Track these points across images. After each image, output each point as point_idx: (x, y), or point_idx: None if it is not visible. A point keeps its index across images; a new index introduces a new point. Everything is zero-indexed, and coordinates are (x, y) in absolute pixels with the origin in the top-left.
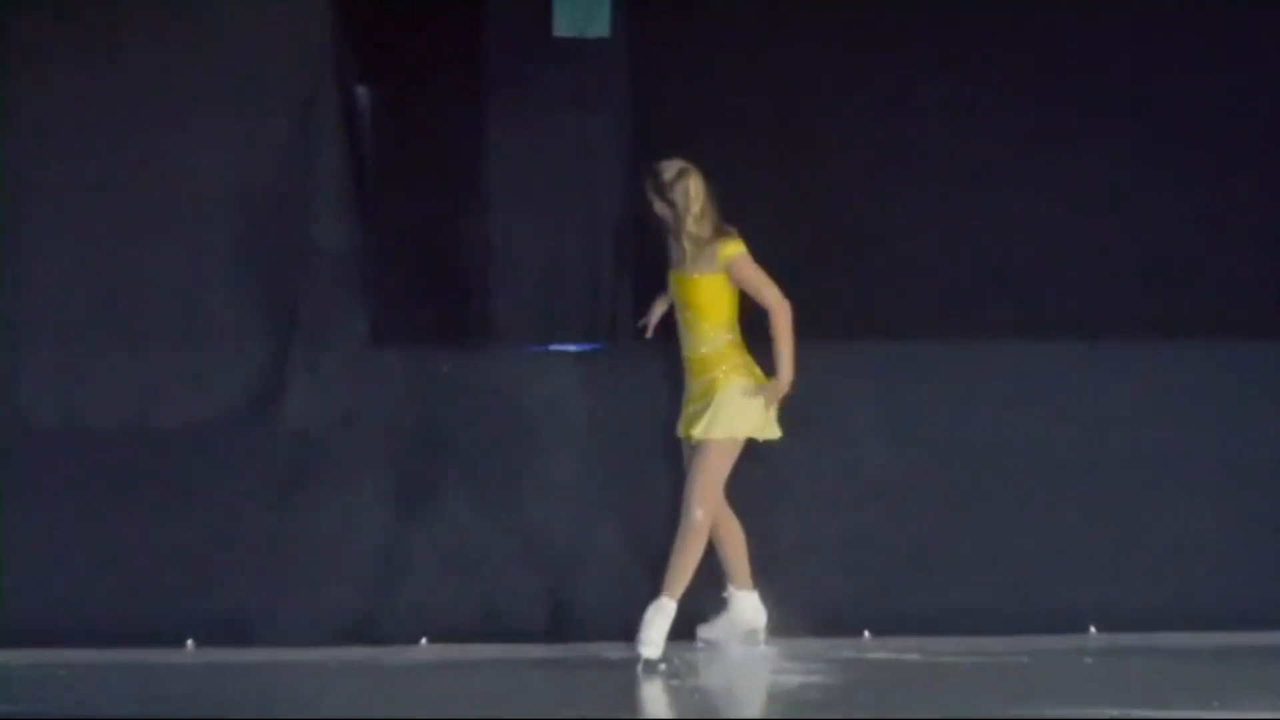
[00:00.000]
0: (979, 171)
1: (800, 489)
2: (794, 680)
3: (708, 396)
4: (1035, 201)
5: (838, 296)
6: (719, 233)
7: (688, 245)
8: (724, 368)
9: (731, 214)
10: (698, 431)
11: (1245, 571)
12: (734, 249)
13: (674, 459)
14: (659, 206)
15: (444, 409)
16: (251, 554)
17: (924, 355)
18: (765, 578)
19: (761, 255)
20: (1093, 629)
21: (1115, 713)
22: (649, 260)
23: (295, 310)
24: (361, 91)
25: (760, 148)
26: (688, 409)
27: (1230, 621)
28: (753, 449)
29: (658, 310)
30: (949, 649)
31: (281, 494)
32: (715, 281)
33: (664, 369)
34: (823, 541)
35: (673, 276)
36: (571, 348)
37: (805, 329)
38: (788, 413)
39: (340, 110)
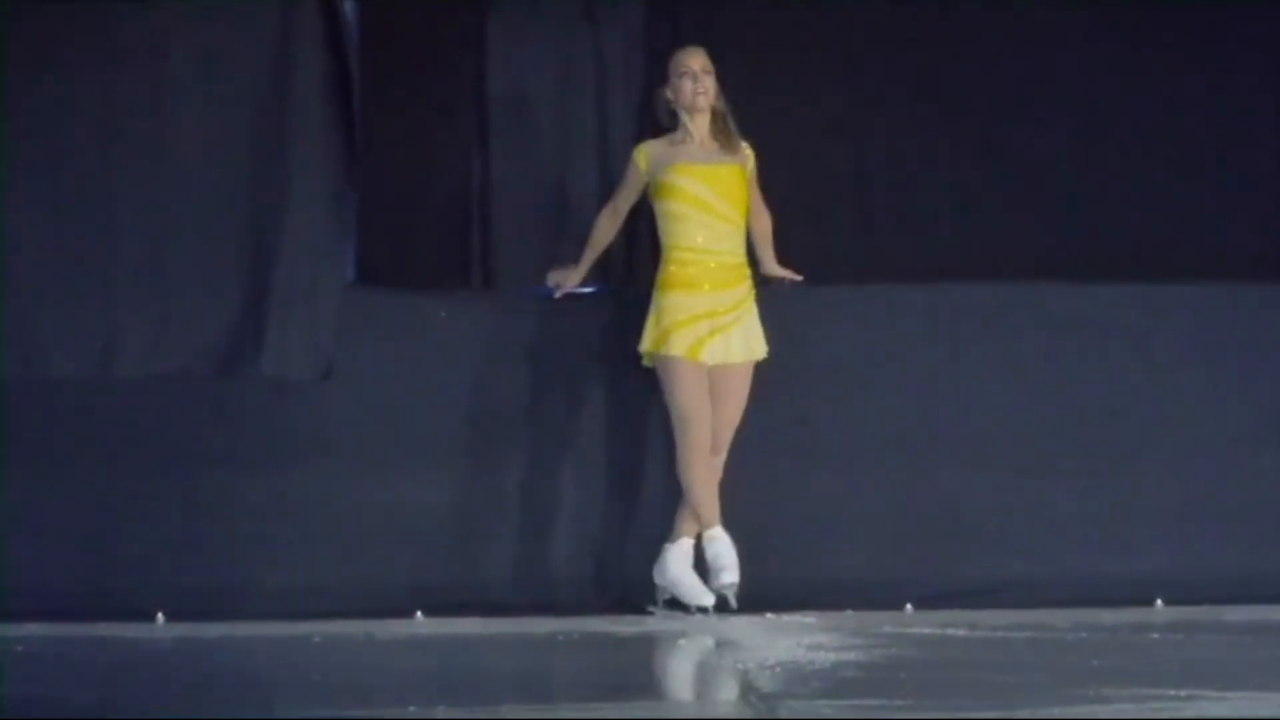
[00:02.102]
0: (1012, 107)
1: (834, 450)
2: (829, 658)
3: (740, 310)
4: (1069, 139)
5: (859, 237)
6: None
7: (721, 134)
8: (749, 281)
9: (759, 147)
10: (754, 352)
11: None
12: (750, 148)
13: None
14: (709, 82)
15: (439, 359)
16: (226, 518)
17: (962, 301)
18: (798, 547)
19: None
20: (1159, 602)
21: (1183, 694)
22: None
23: (272, 249)
24: (347, 4)
25: (779, 72)
26: (709, 321)
27: None
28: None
29: (583, 267)
30: (999, 623)
31: (258, 452)
32: (742, 175)
33: None
34: (859, 507)
35: (695, 170)
36: (580, 290)
37: (830, 274)
38: (819, 369)
39: (323, 26)
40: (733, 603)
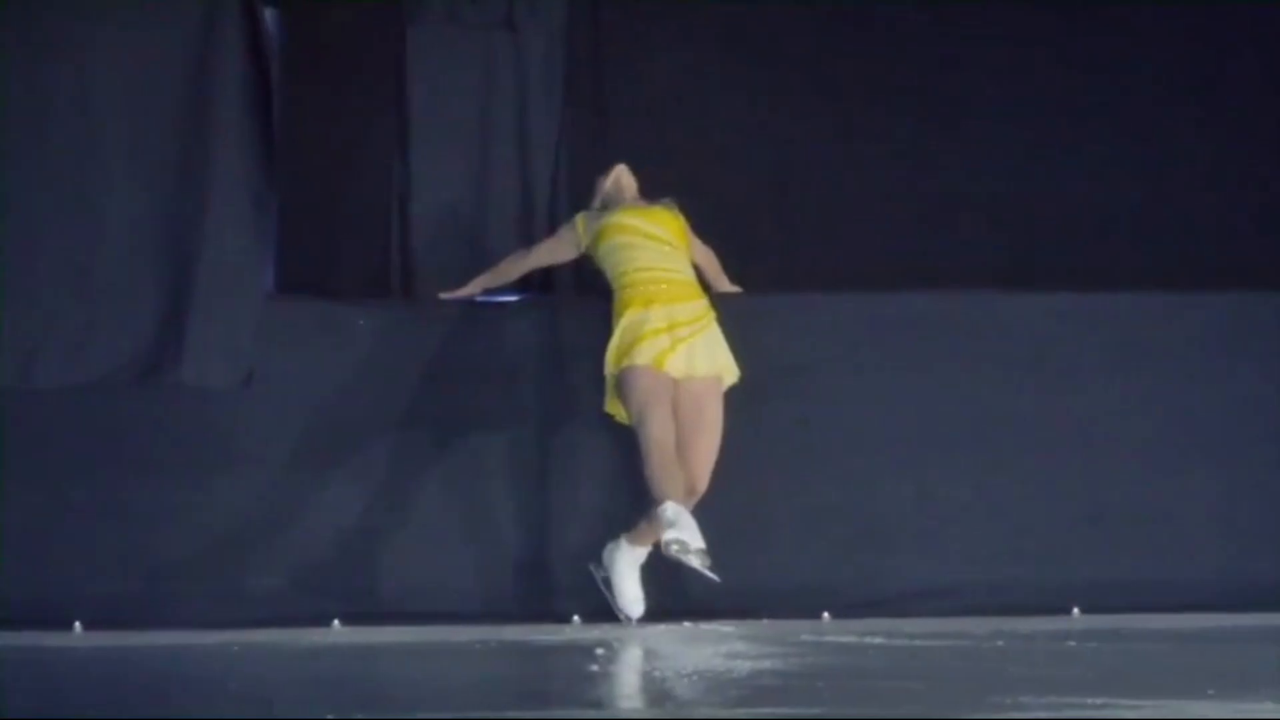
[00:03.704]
0: (960, 119)
1: (751, 459)
2: (746, 666)
3: (701, 322)
4: (997, 145)
5: (793, 247)
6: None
7: (647, 198)
8: (706, 300)
9: (684, 155)
10: (723, 370)
11: (1244, 547)
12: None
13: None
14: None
15: (359, 367)
16: (145, 527)
17: (886, 311)
18: (716, 555)
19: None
20: (1076, 610)
21: (1099, 702)
22: (584, 202)
23: (192, 258)
24: (268, 13)
25: (700, 76)
26: (670, 335)
27: (1229, 603)
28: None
29: (473, 288)
30: (916, 631)
31: (178, 460)
32: (679, 218)
33: (598, 319)
34: (776, 515)
35: (633, 210)
36: (500, 298)
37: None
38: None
39: (243, 34)
40: (704, 565)
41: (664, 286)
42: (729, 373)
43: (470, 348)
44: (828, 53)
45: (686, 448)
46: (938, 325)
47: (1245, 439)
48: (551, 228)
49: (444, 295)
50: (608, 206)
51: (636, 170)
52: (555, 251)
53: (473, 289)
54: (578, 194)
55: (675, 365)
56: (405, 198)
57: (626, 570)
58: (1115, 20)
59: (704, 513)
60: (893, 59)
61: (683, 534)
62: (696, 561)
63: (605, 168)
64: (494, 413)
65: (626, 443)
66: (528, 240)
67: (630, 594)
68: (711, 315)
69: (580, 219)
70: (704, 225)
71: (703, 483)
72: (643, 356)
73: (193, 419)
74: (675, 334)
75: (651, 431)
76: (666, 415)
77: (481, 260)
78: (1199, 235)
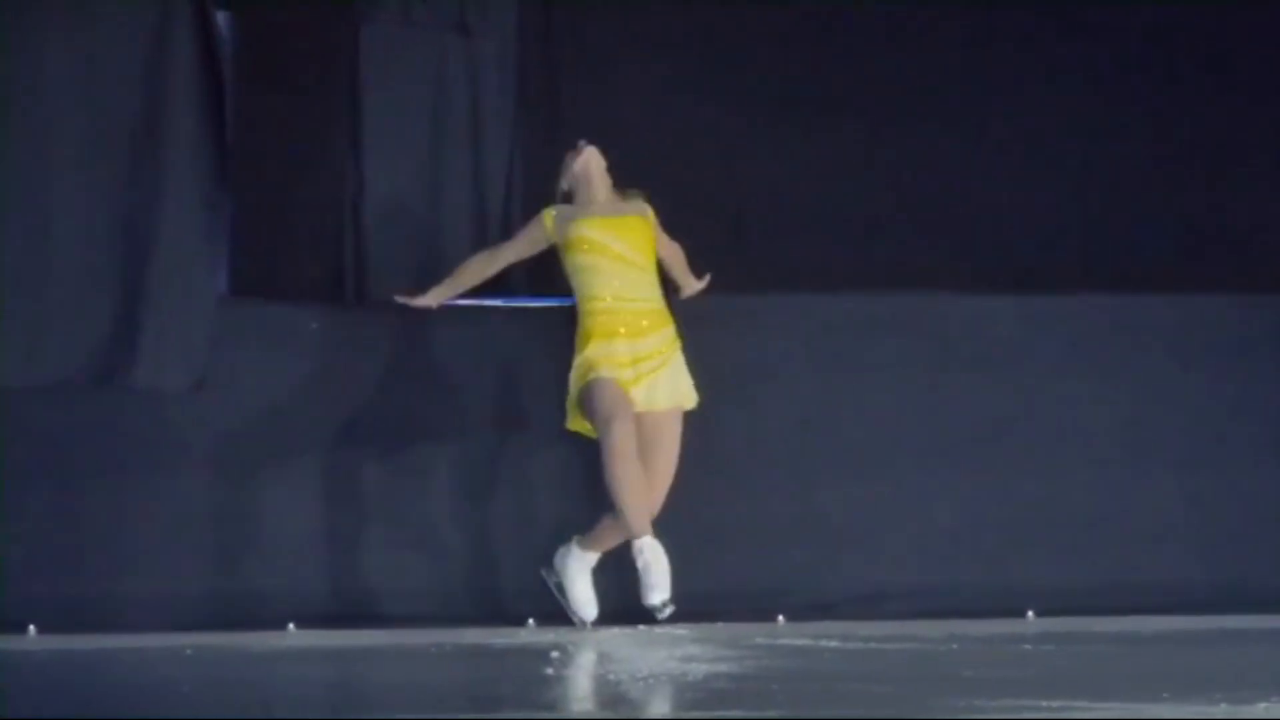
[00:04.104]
0: (918, 123)
1: (707, 461)
2: (701, 669)
3: (664, 354)
4: (947, 148)
5: (745, 248)
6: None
7: (618, 192)
8: (672, 327)
9: (637, 157)
10: (683, 400)
11: (1198, 551)
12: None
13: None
14: (593, 150)
15: (312, 371)
16: (99, 530)
17: (840, 314)
18: (670, 558)
19: (669, 200)
20: (1031, 614)
21: (1055, 705)
22: (536, 206)
23: (146, 261)
24: (221, 15)
25: (651, 78)
26: (633, 369)
27: (1183, 606)
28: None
29: (438, 295)
30: (871, 634)
31: (132, 463)
32: (647, 225)
33: (552, 326)
34: (732, 518)
35: (601, 221)
36: (456, 302)
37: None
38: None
39: (196, 36)
40: (662, 615)
41: (628, 316)
42: (689, 400)
43: (424, 352)
44: (782, 56)
45: (644, 471)
46: (893, 328)
47: (1200, 443)
48: (505, 230)
49: (400, 299)
50: (573, 191)
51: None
52: (522, 250)
53: (430, 300)
54: (532, 196)
55: (636, 397)
56: (358, 201)
57: (578, 574)
58: (1074, 23)
59: (660, 519)
60: (848, 64)
61: (662, 593)
62: (661, 613)
63: (571, 144)
64: (448, 417)
65: (580, 447)
66: (481, 243)
67: (582, 597)
68: (676, 344)
69: (548, 217)
70: (686, 243)
71: (658, 504)
72: (606, 370)
73: (146, 422)
74: (639, 368)
75: (614, 442)
76: (630, 429)
77: (435, 262)
78: (1157, 239)
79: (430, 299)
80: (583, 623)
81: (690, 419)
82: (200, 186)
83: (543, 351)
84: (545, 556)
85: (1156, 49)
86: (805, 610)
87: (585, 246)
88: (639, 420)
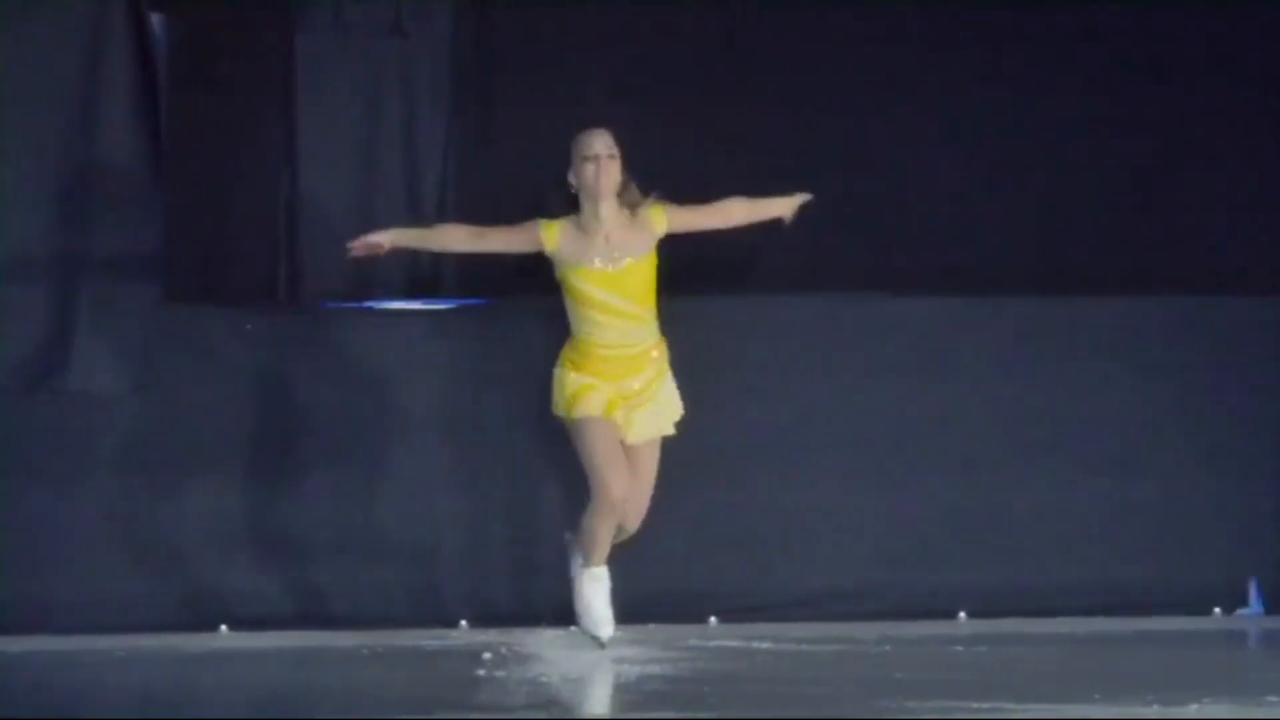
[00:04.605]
0: (846, 117)
1: None
2: (634, 670)
3: (650, 388)
4: (897, 148)
5: (677, 250)
6: (637, 202)
7: (616, 228)
8: (660, 354)
9: (568, 157)
10: (666, 429)
11: (1127, 553)
12: (659, 207)
13: (503, 421)
14: (613, 166)
15: (246, 372)
16: (32, 533)
17: (770, 316)
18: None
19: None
20: (962, 615)
21: (986, 706)
22: (469, 207)
23: (80, 264)
24: (155, 19)
25: (596, 81)
26: (623, 401)
27: (1112, 607)
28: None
29: (398, 239)
30: (804, 635)
31: (66, 467)
32: (650, 261)
33: (488, 327)
34: (664, 520)
35: (600, 276)
36: (389, 304)
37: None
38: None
39: (131, 40)
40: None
41: (615, 361)
42: (669, 428)
43: (358, 353)
44: (713, 57)
45: (627, 473)
46: (824, 329)
47: (1129, 446)
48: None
49: (353, 244)
50: (579, 195)
51: (521, 178)
52: (508, 245)
53: (384, 239)
54: (465, 199)
55: (620, 420)
56: (293, 203)
57: (593, 595)
58: (1018, 23)
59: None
60: (785, 63)
61: (599, 629)
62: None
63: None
64: (381, 417)
65: (517, 447)
66: (423, 252)
67: (599, 616)
68: (664, 371)
69: (549, 235)
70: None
71: (637, 519)
72: (592, 406)
73: (81, 425)
74: (625, 402)
75: (612, 494)
76: (625, 476)
77: (368, 266)
78: (1091, 241)
79: (385, 238)
80: (597, 640)
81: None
82: (135, 189)
83: (477, 351)
84: (480, 557)
85: (1090, 50)
86: (738, 612)
87: (581, 298)
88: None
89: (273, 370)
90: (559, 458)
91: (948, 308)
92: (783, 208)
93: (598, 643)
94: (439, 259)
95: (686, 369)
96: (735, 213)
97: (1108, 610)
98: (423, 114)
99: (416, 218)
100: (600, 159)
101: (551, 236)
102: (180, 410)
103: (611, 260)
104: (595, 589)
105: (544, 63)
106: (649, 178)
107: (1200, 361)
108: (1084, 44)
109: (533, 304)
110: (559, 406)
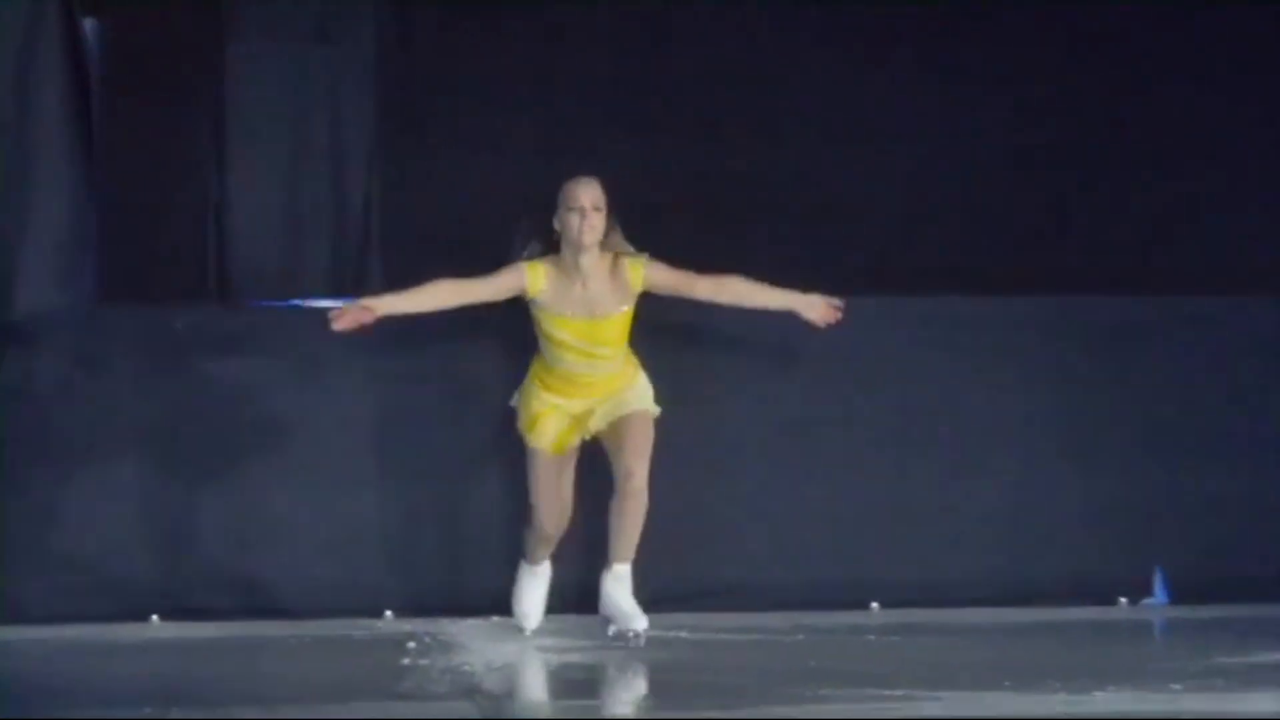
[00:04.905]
0: (768, 117)
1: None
2: (554, 659)
3: (618, 393)
4: (823, 154)
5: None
6: (619, 253)
7: (595, 279)
8: (633, 369)
9: (497, 166)
10: (640, 406)
11: (1035, 544)
12: (639, 264)
13: (425, 417)
14: (598, 219)
15: (176, 370)
16: None
17: (687, 310)
18: (514, 548)
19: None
20: (875, 605)
21: (898, 694)
22: (395, 211)
23: (14, 265)
24: (88, 25)
25: (523, 85)
26: (576, 419)
27: (1021, 598)
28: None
29: (388, 309)
30: (720, 625)
31: None
32: (628, 312)
33: (411, 324)
34: (586, 511)
35: (576, 326)
36: (315, 303)
37: None
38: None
39: (64, 45)
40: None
41: (583, 385)
42: (641, 404)
43: (286, 349)
44: (640, 59)
45: (617, 451)
46: (741, 325)
47: (1038, 442)
48: (365, 238)
49: (337, 317)
50: (561, 237)
51: (446, 181)
52: (494, 293)
53: (379, 310)
54: (391, 204)
55: (574, 441)
56: (222, 205)
57: (618, 596)
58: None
59: (510, 512)
60: (710, 66)
61: (522, 622)
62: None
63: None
64: (308, 412)
65: (441, 442)
66: (340, 245)
67: (628, 612)
68: (630, 383)
69: (532, 276)
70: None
71: (636, 478)
72: (543, 439)
73: (12, 419)
74: (579, 419)
75: (542, 521)
76: (557, 509)
77: (296, 265)
78: (1006, 238)
79: (380, 307)
80: (635, 635)
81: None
82: (68, 192)
83: (403, 348)
84: (405, 548)
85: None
86: (656, 602)
87: (553, 340)
88: (604, 430)
89: (203, 367)
90: (481, 452)
91: (862, 303)
92: (798, 303)
93: (635, 637)
94: (364, 257)
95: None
96: (733, 289)
97: (1017, 601)
98: (349, 119)
99: (343, 221)
100: (585, 211)
101: (536, 281)
102: (111, 406)
103: (587, 310)
104: (529, 583)
105: (469, 68)
106: (575, 175)
107: (1098, 359)
108: (963, 44)
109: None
110: (520, 418)
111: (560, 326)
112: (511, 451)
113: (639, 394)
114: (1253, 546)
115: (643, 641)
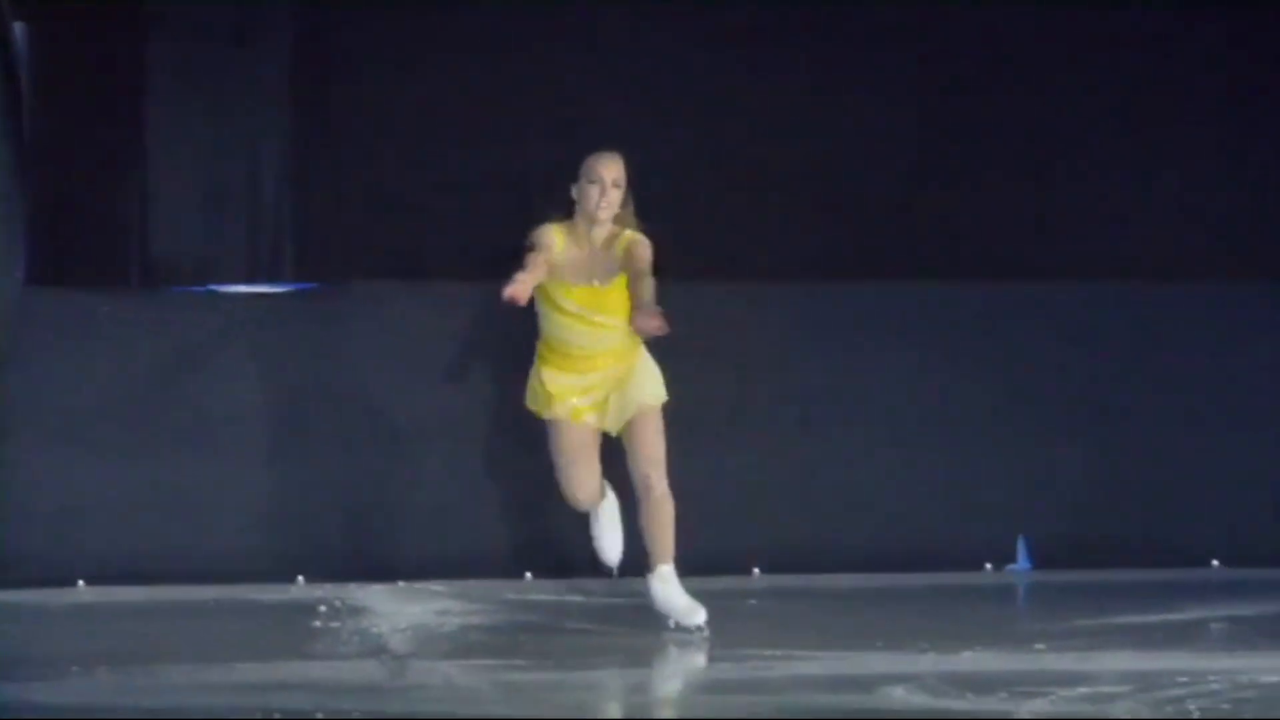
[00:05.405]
0: (678, 109)
1: (452, 433)
2: (456, 622)
3: (618, 378)
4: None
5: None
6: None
7: (602, 248)
8: (635, 343)
9: (413, 164)
10: (650, 400)
11: (913, 512)
12: (629, 239)
13: (336, 395)
14: (616, 195)
15: (102, 351)
16: None
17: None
18: (427, 522)
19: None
20: (757, 570)
21: (779, 654)
22: (309, 202)
23: None
24: (17, 28)
25: (439, 84)
26: (589, 396)
27: (893, 564)
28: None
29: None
30: (612, 590)
31: None
32: (622, 281)
33: (334, 312)
34: (478, 486)
35: (579, 293)
36: (233, 288)
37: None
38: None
39: None
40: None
41: (585, 358)
42: (652, 401)
43: (204, 331)
44: (558, 58)
45: (631, 458)
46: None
47: (911, 419)
48: (279, 228)
49: (511, 290)
50: (577, 204)
51: (361, 176)
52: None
53: (534, 280)
54: (305, 195)
55: (590, 419)
56: (144, 196)
57: (668, 595)
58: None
59: (417, 485)
60: (630, 63)
61: (603, 555)
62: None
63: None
64: (224, 392)
65: (350, 419)
66: (259, 236)
67: (682, 607)
68: (632, 363)
69: (556, 237)
70: (442, 233)
71: (655, 483)
72: (560, 411)
73: None
74: (593, 396)
75: (575, 494)
76: (588, 475)
77: (214, 252)
78: (908, 225)
79: (533, 279)
80: (699, 628)
81: (441, 389)
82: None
83: (314, 332)
84: (315, 520)
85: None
86: (551, 569)
87: (557, 308)
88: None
89: (125, 348)
90: (392, 428)
91: (736, 291)
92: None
93: (699, 629)
94: (278, 246)
95: (493, 342)
96: (639, 293)
97: (890, 566)
98: (265, 114)
99: (258, 213)
100: (605, 187)
101: (559, 240)
102: (40, 384)
103: (595, 278)
104: (663, 589)
105: (385, 67)
106: (491, 173)
107: (965, 343)
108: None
109: (364, 289)
110: (531, 401)
111: (567, 295)
112: (420, 428)
113: (646, 381)
114: (1108, 516)
115: (706, 633)
